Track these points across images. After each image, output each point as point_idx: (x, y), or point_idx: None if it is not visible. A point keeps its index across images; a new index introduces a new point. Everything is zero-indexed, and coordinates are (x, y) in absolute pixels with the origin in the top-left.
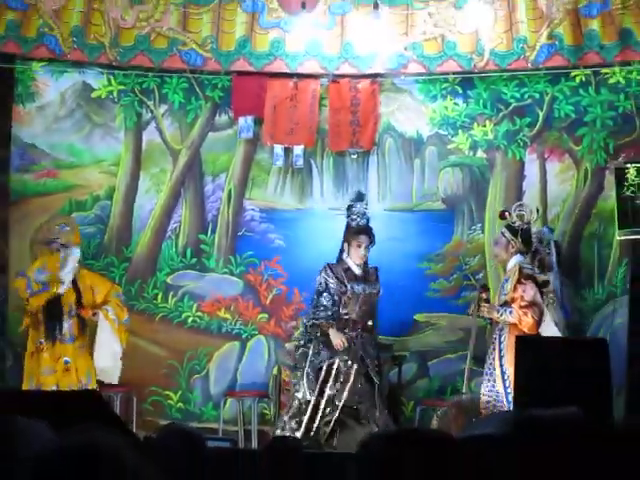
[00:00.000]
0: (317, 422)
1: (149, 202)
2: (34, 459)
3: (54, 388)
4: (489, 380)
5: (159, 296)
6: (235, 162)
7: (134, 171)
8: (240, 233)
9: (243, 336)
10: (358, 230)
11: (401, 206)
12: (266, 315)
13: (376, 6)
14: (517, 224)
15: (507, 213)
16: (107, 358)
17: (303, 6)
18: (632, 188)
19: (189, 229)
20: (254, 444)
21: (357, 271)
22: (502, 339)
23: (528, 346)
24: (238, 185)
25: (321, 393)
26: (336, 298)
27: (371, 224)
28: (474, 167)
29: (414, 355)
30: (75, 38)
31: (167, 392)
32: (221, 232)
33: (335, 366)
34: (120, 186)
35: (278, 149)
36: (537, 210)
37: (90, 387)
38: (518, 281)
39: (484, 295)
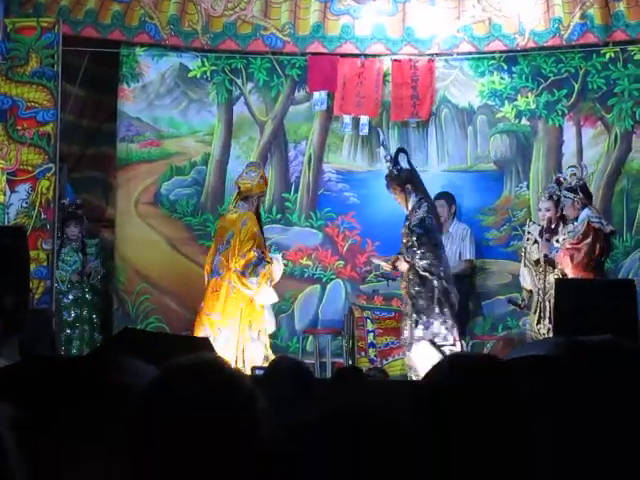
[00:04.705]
0: None
1: (240, 166)
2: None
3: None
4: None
5: None
6: (313, 131)
7: (226, 140)
8: (319, 192)
9: (323, 280)
10: None
11: (457, 167)
12: (343, 262)
13: None
14: (574, 183)
15: (562, 178)
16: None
17: None
18: None
19: (275, 189)
20: (329, 374)
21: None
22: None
23: (565, 287)
24: (317, 151)
25: None
26: None
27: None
28: (519, 133)
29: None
30: (172, 26)
31: None
32: (303, 191)
33: None
34: (214, 153)
35: (347, 119)
36: (583, 168)
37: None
38: (585, 233)
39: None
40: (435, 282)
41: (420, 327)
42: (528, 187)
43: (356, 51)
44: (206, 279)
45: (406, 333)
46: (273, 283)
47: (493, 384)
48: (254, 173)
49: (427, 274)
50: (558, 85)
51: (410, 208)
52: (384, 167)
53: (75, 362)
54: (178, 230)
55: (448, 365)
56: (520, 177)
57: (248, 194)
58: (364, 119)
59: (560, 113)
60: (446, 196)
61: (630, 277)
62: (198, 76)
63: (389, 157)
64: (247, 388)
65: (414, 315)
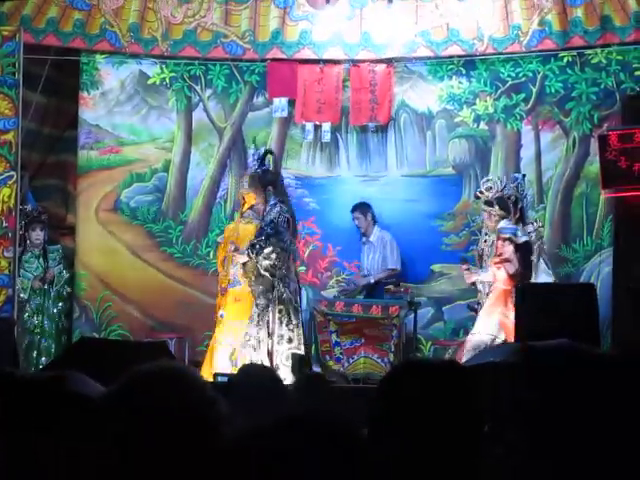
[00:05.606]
0: None
1: (200, 173)
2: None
3: None
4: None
5: (211, 253)
6: (272, 137)
7: (186, 147)
8: None
9: None
10: None
11: (416, 172)
12: (304, 268)
13: (390, 0)
14: (491, 196)
15: (479, 192)
16: None
17: (327, 1)
18: (614, 152)
19: (235, 195)
20: None
21: None
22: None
23: (526, 292)
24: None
25: None
26: None
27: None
28: (478, 137)
29: (430, 301)
30: (132, 33)
31: None
32: None
33: None
34: (174, 160)
35: (308, 126)
36: (500, 180)
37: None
38: (502, 245)
39: (464, 266)
40: (276, 283)
41: (260, 326)
42: None
43: (314, 56)
44: (221, 286)
45: (252, 331)
46: None
47: (451, 390)
48: None
49: (268, 274)
50: (516, 89)
51: (267, 209)
52: (251, 165)
53: (36, 378)
54: (139, 237)
55: (404, 372)
56: (479, 182)
57: (253, 202)
58: (326, 126)
59: (518, 117)
60: (360, 207)
61: (591, 281)
62: (157, 83)
63: (257, 156)
64: (208, 395)
65: (255, 313)
